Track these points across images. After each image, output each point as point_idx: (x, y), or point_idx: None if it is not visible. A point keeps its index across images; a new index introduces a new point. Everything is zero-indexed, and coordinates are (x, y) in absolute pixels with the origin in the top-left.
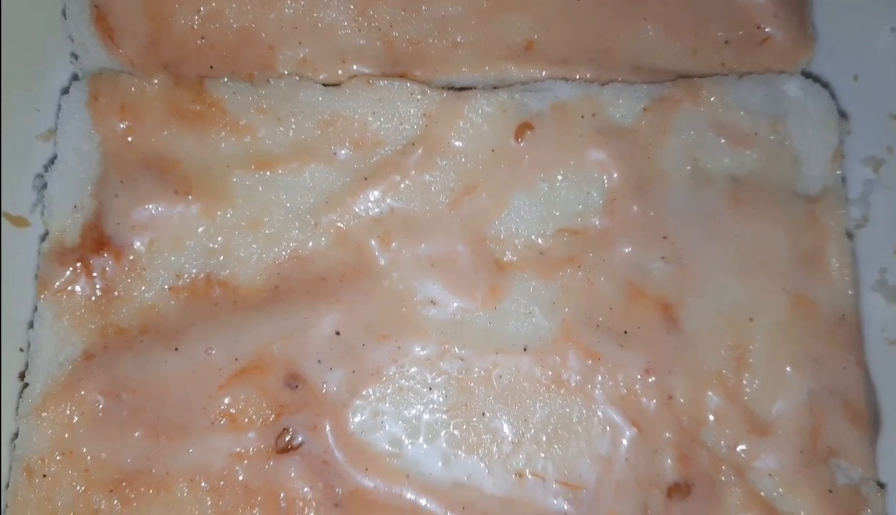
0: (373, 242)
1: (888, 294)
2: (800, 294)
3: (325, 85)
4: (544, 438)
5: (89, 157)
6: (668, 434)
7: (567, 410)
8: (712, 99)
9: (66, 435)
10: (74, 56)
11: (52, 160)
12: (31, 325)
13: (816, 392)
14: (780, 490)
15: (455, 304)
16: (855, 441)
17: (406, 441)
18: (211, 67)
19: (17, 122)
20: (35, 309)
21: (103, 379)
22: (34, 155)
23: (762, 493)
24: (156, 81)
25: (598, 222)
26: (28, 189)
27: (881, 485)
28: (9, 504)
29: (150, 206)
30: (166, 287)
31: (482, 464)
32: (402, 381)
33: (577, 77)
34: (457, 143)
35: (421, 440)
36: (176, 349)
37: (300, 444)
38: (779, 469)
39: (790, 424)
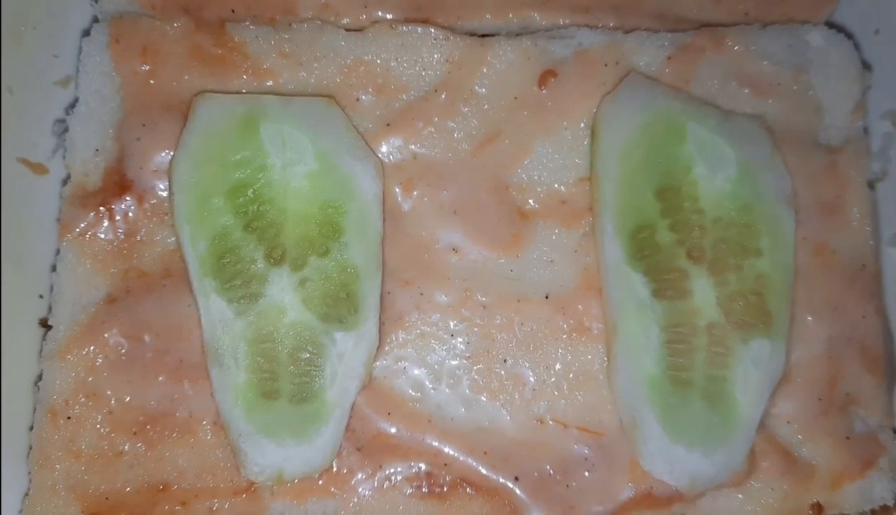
0: (396, 189)
1: None
2: (820, 242)
3: (347, 30)
4: (566, 385)
5: (110, 100)
6: None
7: (589, 357)
8: (736, 48)
9: (90, 378)
10: None
11: (73, 104)
12: (53, 269)
13: (835, 340)
14: (799, 437)
15: (477, 252)
16: (872, 388)
17: (429, 386)
18: (232, 11)
19: (35, 68)
20: (57, 252)
21: (126, 322)
22: (52, 101)
23: (780, 440)
24: (177, 24)
25: None
26: (46, 135)
27: None
28: (33, 445)
29: (173, 150)
30: None
31: (504, 410)
32: (425, 327)
33: (600, 24)
34: (480, 90)
35: (443, 385)
36: None
37: None
38: (797, 416)
39: (808, 372)
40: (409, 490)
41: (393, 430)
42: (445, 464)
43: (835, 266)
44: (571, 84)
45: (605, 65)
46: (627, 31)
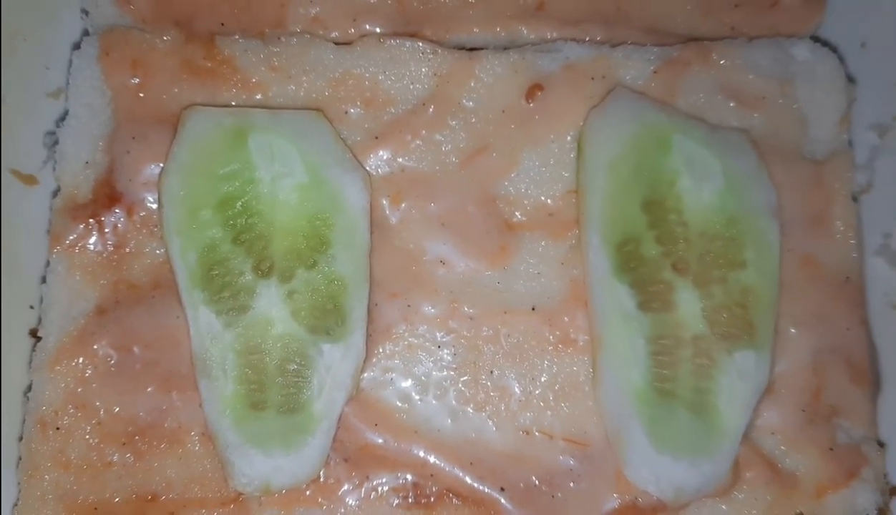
0: (383, 201)
1: (891, 259)
2: (805, 255)
3: (336, 43)
4: (552, 396)
5: (101, 113)
6: None
7: (574, 369)
8: (722, 61)
9: (80, 389)
10: (85, 12)
11: (63, 117)
12: (43, 280)
13: (819, 351)
14: (783, 447)
15: (464, 264)
16: (856, 400)
17: (416, 398)
18: (222, 24)
19: (27, 80)
20: (47, 264)
21: (116, 334)
22: (43, 113)
23: (764, 451)
24: (167, 37)
25: None
26: (37, 147)
27: (881, 444)
28: (23, 456)
29: (162, 163)
30: None
31: (490, 421)
32: (412, 339)
33: (588, 38)
34: (467, 103)
35: (430, 397)
36: None
37: None
38: (781, 427)
39: (793, 383)
40: (396, 501)
41: (380, 441)
42: (432, 475)
43: (819, 278)
44: (559, 97)
45: (592, 78)
46: (615, 45)
